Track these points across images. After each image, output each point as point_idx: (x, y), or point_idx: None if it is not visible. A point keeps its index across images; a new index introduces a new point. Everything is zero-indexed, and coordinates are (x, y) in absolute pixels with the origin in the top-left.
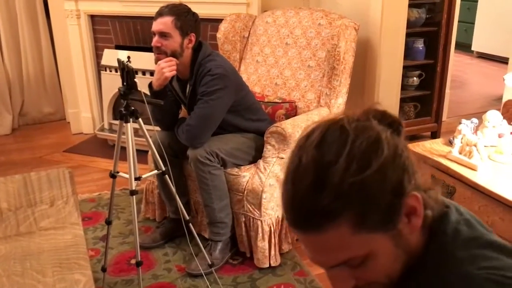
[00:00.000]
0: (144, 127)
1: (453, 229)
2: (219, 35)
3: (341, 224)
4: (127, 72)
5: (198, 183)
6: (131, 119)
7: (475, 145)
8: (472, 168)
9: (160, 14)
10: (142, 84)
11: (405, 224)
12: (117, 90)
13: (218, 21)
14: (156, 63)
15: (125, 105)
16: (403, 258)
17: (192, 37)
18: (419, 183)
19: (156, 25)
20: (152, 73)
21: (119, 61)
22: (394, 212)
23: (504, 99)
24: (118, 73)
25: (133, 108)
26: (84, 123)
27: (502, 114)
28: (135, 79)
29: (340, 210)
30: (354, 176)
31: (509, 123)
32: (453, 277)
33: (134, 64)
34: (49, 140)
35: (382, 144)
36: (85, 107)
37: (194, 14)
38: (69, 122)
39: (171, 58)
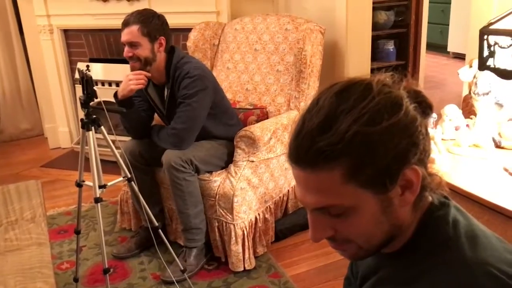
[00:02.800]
0: (107, 135)
1: (453, 218)
2: (189, 43)
3: (335, 168)
4: (86, 81)
5: (172, 189)
6: (92, 128)
7: (432, 139)
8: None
9: (126, 24)
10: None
11: (398, 194)
12: (94, 102)
13: (190, 30)
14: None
15: (86, 114)
16: (386, 227)
17: (162, 40)
18: (426, 164)
19: (124, 36)
20: None
21: (78, 70)
22: (389, 177)
23: (464, 93)
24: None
25: (94, 116)
26: (62, 137)
27: (462, 108)
28: (94, 88)
29: (337, 155)
30: (361, 127)
31: (466, 117)
32: (455, 264)
33: (109, 76)
34: (26, 156)
35: (399, 108)
36: (62, 122)
37: (160, 17)
38: (46, 137)
39: (141, 71)
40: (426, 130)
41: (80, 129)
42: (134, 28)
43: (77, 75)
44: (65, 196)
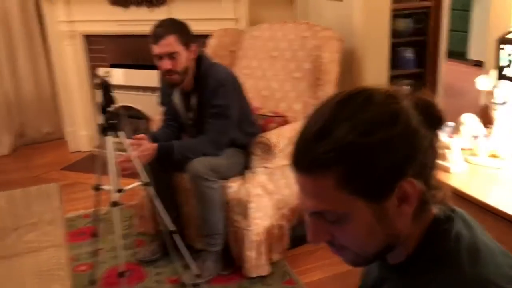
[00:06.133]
0: (126, 140)
1: (457, 232)
2: (208, 50)
3: (328, 175)
4: (105, 87)
5: (197, 196)
6: (111, 133)
7: (448, 148)
8: (446, 170)
9: (160, 36)
10: (137, 99)
11: (394, 205)
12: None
13: (207, 37)
14: (162, 83)
15: (104, 119)
16: (381, 236)
17: (194, 48)
18: (429, 177)
19: (161, 48)
20: (145, 89)
21: (98, 76)
22: (383, 187)
23: (482, 102)
24: (123, 92)
25: (112, 121)
26: (82, 141)
27: (481, 117)
28: (112, 93)
29: (330, 163)
30: (356, 137)
31: (485, 126)
32: (452, 280)
33: (130, 81)
34: (47, 159)
35: (398, 119)
36: (82, 125)
37: (188, 24)
38: (67, 141)
39: (142, 143)
40: (432, 143)
41: (99, 134)
42: (172, 38)
43: (96, 80)
44: (84, 199)
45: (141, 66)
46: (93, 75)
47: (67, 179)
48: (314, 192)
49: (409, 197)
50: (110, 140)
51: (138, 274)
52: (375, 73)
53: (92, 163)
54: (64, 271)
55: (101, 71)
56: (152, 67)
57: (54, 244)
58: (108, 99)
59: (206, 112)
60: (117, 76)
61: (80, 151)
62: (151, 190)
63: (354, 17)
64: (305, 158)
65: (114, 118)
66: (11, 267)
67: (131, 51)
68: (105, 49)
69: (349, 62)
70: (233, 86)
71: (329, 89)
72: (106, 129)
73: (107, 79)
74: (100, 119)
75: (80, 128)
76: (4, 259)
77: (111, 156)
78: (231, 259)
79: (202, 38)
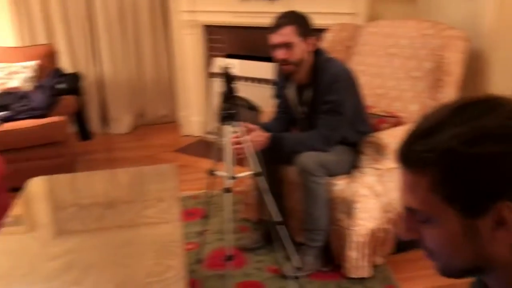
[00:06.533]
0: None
1: None
2: (324, 44)
3: (424, 174)
4: (228, 77)
5: (303, 190)
6: (229, 122)
7: None
8: None
9: (278, 25)
10: (250, 90)
11: (488, 227)
12: None
13: (323, 31)
14: (278, 75)
15: (225, 108)
16: (469, 253)
17: (313, 41)
18: None
19: (277, 37)
20: (259, 80)
21: (221, 67)
22: (476, 204)
23: None
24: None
25: (232, 111)
26: (194, 125)
27: None
28: (234, 85)
29: (426, 163)
30: (458, 145)
31: None
32: None
33: (245, 73)
34: (161, 140)
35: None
36: (195, 111)
37: (309, 17)
38: (180, 125)
39: (258, 133)
40: None
41: (218, 122)
42: (289, 28)
43: (215, 70)
44: (193, 181)
45: (256, 58)
46: (210, 64)
47: (178, 161)
48: (410, 188)
49: (507, 223)
50: (228, 129)
51: (239, 260)
52: (505, 79)
53: (202, 147)
54: (179, 248)
55: (224, 62)
56: (267, 59)
57: (170, 221)
58: (230, 90)
59: (319, 107)
60: (232, 66)
61: (191, 135)
62: (262, 180)
63: (486, 16)
64: (404, 151)
65: (233, 108)
66: (132, 237)
67: (248, 43)
68: (222, 39)
69: (475, 64)
70: (348, 82)
71: (450, 91)
72: (225, 118)
73: (230, 70)
74: (220, 108)
75: (193, 113)
76: (126, 229)
77: (228, 144)
78: (331, 257)
79: (320, 32)
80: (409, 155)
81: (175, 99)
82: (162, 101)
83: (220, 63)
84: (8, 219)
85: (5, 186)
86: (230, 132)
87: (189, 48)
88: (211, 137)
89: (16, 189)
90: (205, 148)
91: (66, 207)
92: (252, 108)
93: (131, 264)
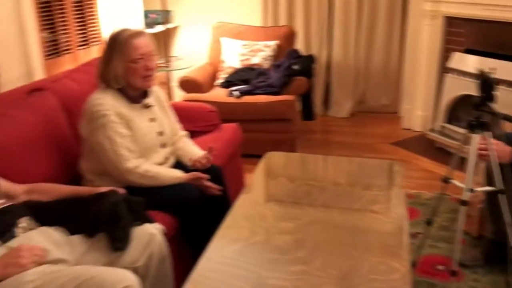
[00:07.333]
0: (492, 141)
1: None
2: None
3: None
4: (485, 83)
5: None
6: (478, 131)
7: None
8: None
9: None
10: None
11: None
12: (457, 94)
13: None
14: None
15: (476, 116)
16: None
17: None
18: None
19: None
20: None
21: (479, 70)
22: None
23: None
24: (472, 80)
25: (484, 120)
26: (416, 120)
27: None
28: (494, 91)
29: None
30: None
31: None
32: None
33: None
34: (379, 130)
35: None
36: (420, 106)
37: None
38: (401, 117)
39: None
40: None
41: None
42: None
43: (450, 64)
44: (406, 179)
45: (500, 56)
46: (445, 58)
47: (395, 155)
48: None
49: None
50: (476, 138)
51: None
52: None
53: (421, 144)
54: (405, 252)
55: (487, 67)
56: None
57: (396, 222)
58: (487, 96)
59: None
60: (469, 62)
61: (411, 130)
62: (503, 198)
63: None
64: None
65: (485, 117)
66: (358, 228)
67: (489, 38)
68: (463, 33)
69: None
70: None
71: None
72: (474, 125)
73: (489, 74)
74: (471, 115)
75: (417, 107)
76: (352, 219)
77: (473, 154)
78: None
79: None
80: None
81: (400, 90)
82: (386, 90)
83: (467, 61)
84: (247, 187)
85: (239, 152)
86: (477, 142)
87: (425, 39)
88: (432, 136)
89: (245, 155)
90: (426, 145)
91: (298, 185)
92: (504, 118)
93: (356, 256)
